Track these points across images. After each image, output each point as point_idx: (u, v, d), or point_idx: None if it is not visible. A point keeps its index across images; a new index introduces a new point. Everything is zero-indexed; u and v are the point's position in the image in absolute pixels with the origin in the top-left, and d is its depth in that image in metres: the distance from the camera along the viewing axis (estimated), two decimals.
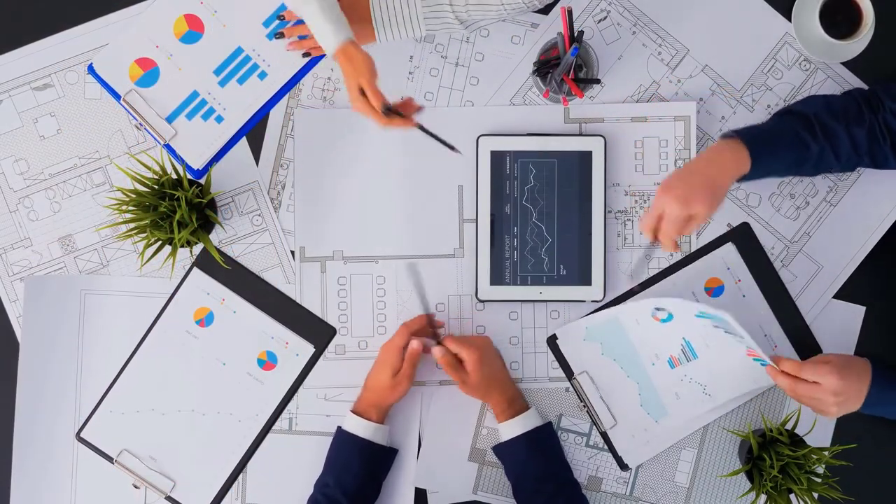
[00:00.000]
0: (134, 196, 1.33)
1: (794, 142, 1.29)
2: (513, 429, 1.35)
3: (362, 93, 1.25)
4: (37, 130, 1.44)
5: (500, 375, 1.38)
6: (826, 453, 1.32)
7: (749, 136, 1.27)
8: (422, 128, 1.29)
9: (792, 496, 1.35)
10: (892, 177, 1.41)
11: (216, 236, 1.44)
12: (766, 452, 1.33)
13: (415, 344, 1.35)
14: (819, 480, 1.32)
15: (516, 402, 1.38)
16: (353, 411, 1.37)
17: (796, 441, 1.36)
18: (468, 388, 1.36)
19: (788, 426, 1.38)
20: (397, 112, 1.26)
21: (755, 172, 1.27)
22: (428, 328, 1.38)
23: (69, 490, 1.43)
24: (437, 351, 1.36)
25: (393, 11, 1.35)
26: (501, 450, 1.38)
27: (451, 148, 1.29)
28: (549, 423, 1.39)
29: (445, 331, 1.43)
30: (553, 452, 1.37)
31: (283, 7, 1.42)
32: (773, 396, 1.43)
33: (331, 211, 1.44)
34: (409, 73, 1.45)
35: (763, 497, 1.35)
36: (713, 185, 1.23)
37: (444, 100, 1.44)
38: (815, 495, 1.32)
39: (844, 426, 1.42)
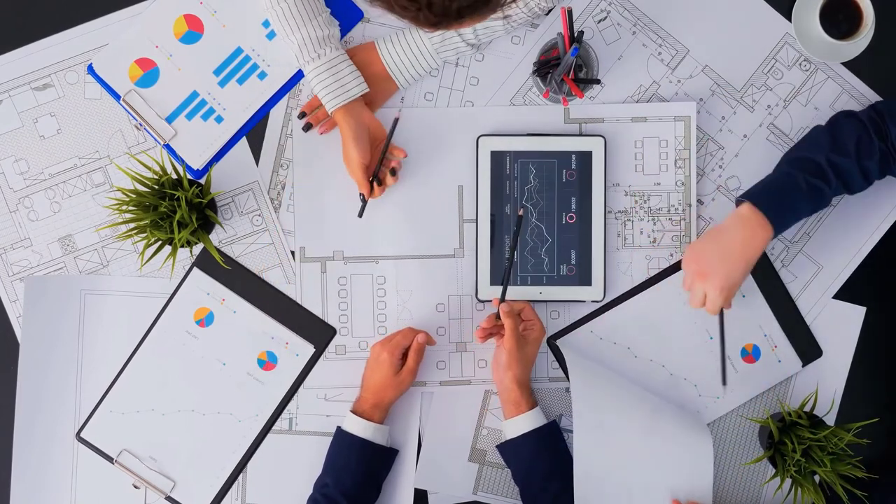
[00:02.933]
0: (134, 196, 1.33)
1: (809, 195, 1.30)
2: (522, 425, 1.34)
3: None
4: (37, 130, 1.44)
5: (532, 364, 1.38)
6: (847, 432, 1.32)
7: (768, 204, 1.28)
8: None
9: (815, 478, 1.35)
10: (893, 178, 1.41)
11: (216, 236, 1.44)
12: (787, 437, 1.33)
13: (420, 337, 1.36)
14: (845, 461, 1.32)
15: (527, 398, 1.36)
16: (353, 411, 1.37)
17: (816, 423, 1.36)
18: (516, 356, 1.33)
19: (807, 408, 1.38)
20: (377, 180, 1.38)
21: (778, 233, 1.30)
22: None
23: (69, 490, 1.43)
24: (504, 306, 1.34)
25: (404, 55, 1.38)
26: (509, 447, 1.36)
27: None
28: (556, 421, 1.38)
29: (446, 332, 1.43)
30: (561, 450, 1.36)
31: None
32: (787, 381, 1.43)
33: (331, 211, 1.44)
34: None
35: (788, 481, 1.36)
36: (749, 267, 1.29)
37: (444, 100, 1.44)
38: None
39: (861, 403, 1.43)
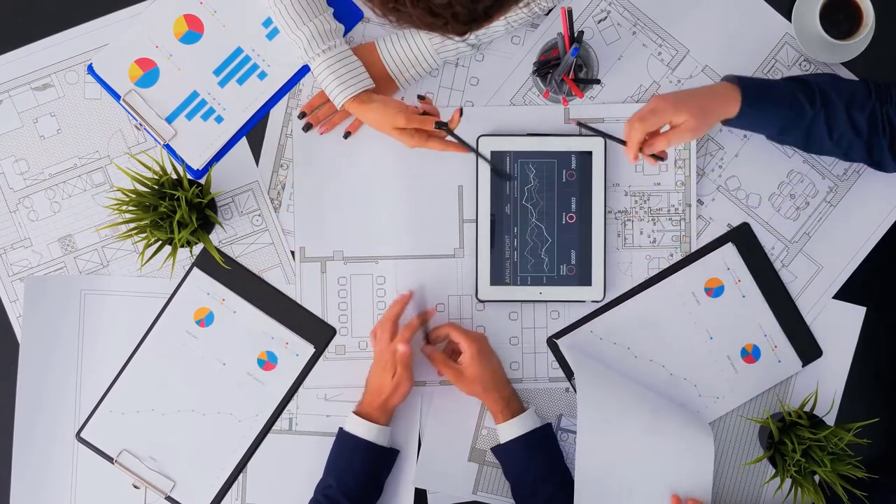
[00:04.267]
0: (134, 196, 1.33)
1: (789, 102, 1.28)
2: (512, 430, 1.35)
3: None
4: (37, 130, 1.44)
5: (499, 372, 1.38)
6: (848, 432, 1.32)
7: (747, 83, 1.29)
8: (447, 129, 1.32)
9: (815, 478, 1.35)
10: (893, 176, 1.41)
11: (216, 236, 1.44)
12: (787, 437, 1.33)
13: (401, 347, 1.34)
14: (845, 461, 1.32)
15: (514, 403, 1.37)
16: (356, 413, 1.37)
17: (816, 423, 1.36)
18: (465, 381, 1.36)
19: (807, 408, 1.38)
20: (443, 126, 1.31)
21: (745, 120, 1.28)
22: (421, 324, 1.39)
23: (69, 490, 1.43)
24: (427, 348, 1.36)
25: (405, 56, 1.37)
26: (501, 451, 1.37)
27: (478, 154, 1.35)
28: (549, 425, 1.38)
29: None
30: (552, 454, 1.37)
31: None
32: (787, 381, 1.43)
33: (331, 211, 1.44)
34: None
35: (788, 481, 1.36)
36: (705, 108, 1.25)
37: (444, 100, 1.44)
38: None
39: (861, 403, 1.43)
